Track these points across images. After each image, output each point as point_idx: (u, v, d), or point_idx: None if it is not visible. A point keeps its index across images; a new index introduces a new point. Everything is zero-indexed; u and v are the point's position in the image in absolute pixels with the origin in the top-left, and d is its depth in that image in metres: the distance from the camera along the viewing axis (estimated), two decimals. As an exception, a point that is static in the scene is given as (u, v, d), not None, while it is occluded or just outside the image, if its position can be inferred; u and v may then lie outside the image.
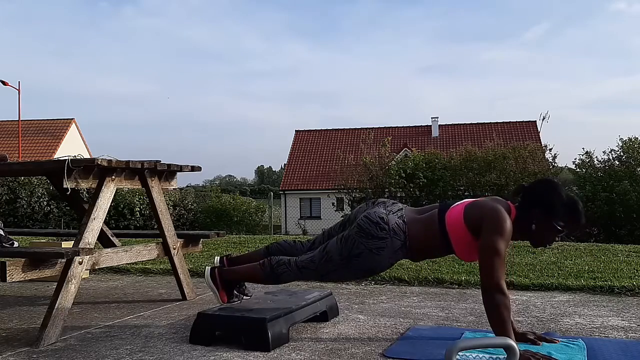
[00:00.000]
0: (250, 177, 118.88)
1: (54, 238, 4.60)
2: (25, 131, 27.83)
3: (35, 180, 14.58)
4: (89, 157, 3.38)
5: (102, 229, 3.60)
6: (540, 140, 24.95)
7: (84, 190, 10.26)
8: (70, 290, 2.64)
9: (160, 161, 3.23)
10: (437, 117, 31.70)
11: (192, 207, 17.07)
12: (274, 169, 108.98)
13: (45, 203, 14.68)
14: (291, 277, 2.49)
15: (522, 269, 4.34)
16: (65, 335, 2.62)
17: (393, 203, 2.50)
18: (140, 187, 3.25)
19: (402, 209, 2.46)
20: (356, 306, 3.27)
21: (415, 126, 32.56)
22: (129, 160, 3.00)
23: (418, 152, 17.11)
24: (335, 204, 19.26)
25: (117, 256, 3.01)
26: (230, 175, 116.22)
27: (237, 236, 8.03)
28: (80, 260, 2.68)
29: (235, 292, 2.70)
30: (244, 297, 2.75)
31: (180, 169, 3.41)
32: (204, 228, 16.22)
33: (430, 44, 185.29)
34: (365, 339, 2.54)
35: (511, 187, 13.24)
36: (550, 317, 2.98)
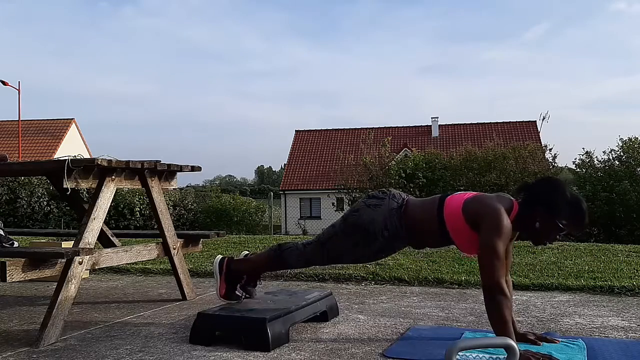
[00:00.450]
0: (250, 177, 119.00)
1: (54, 238, 4.60)
2: (25, 131, 27.83)
3: (35, 180, 14.58)
4: (89, 157, 3.38)
5: (102, 229, 3.60)
6: (540, 140, 24.96)
7: (84, 190, 10.25)
8: (70, 290, 2.64)
9: (160, 161, 3.23)
10: (437, 117, 31.74)
11: (192, 207, 17.07)
12: (274, 169, 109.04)
13: (45, 203, 14.68)
14: (295, 252, 2.58)
15: (522, 269, 4.34)
16: (65, 335, 2.62)
17: (401, 193, 2.60)
18: (140, 187, 3.25)
19: (408, 195, 2.59)
20: (356, 306, 3.27)
21: (415, 126, 32.57)
22: (129, 160, 3.00)
23: (418, 152, 17.12)
24: (335, 204, 19.27)
25: (117, 256, 3.01)
26: (230, 175, 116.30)
27: (237, 236, 8.03)
28: (80, 260, 2.68)
29: (240, 291, 2.74)
30: (244, 297, 2.75)
31: (180, 169, 3.41)
32: (204, 228, 16.21)
33: (430, 44, 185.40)
34: (365, 339, 2.54)
35: (511, 187, 13.24)
36: (550, 317, 2.98)
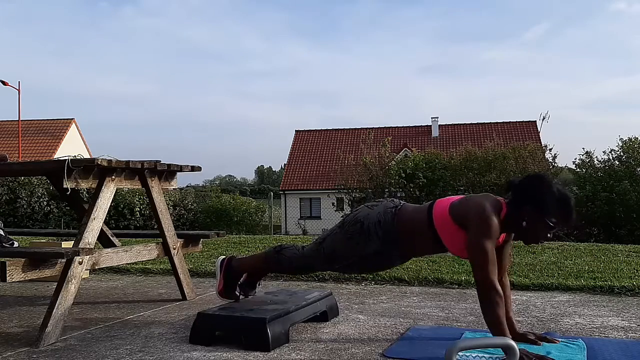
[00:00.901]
0: (250, 177, 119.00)
1: (54, 238, 4.60)
2: (25, 131, 27.83)
3: (35, 180, 14.58)
4: (89, 157, 3.38)
5: (102, 229, 3.60)
6: (540, 140, 24.96)
7: (84, 190, 10.25)
8: (70, 290, 2.64)
9: (160, 161, 3.23)
10: (437, 117, 31.74)
11: (192, 207, 17.07)
12: (274, 169, 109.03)
13: (45, 203, 14.68)
14: (293, 256, 2.61)
15: (522, 269, 4.34)
16: (65, 335, 2.62)
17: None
18: (140, 187, 3.25)
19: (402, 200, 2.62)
20: (356, 306, 3.27)
21: (415, 126, 32.57)
22: (129, 160, 3.00)
23: (418, 152, 17.13)
24: (335, 204, 19.26)
25: (117, 256, 3.01)
26: (230, 175, 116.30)
27: (237, 236, 8.03)
28: (80, 260, 2.68)
29: (238, 291, 2.75)
30: (241, 296, 2.76)
31: (180, 169, 3.41)
32: (204, 228, 16.21)
33: (430, 44, 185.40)
34: (365, 339, 2.54)
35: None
36: (550, 317, 2.98)
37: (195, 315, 2.55)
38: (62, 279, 2.62)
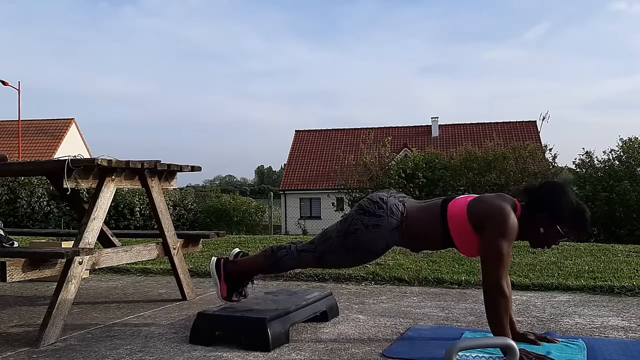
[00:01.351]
0: (250, 177, 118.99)
1: (54, 238, 4.60)
2: (25, 131, 27.83)
3: (35, 180, 14.58)
4: (89, 157, 3.38)
5: (102, 229, 3.60)
6: (540, 140, 24.97)
7: (84, 190, 10.25)
8: (70, 290, 2.64)
9: (160, 161, 3.23)
10: (437, 117, 31.74)
11: (192, 207, 17.07)
12: (274, 169, 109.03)
13: (45, 203, 14.68)
14: (290, 261, 2.53)
15: (522, 269, 4.34)
16: (65, 335, 2.62)
17: (398, 191, 2.54)
18: (140, 187, 3.25)
19: (405, 197, 2.49)
20: (356, 306, 3.27)
21: (415, 126, 32.57)
22: (129, 160, 3.00)
23: (418, 152, 17.13)
24: (335, 204, 19.27)
25: (117, 256, 3.01)
26: (230, 175, 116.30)
27: (237, 236, 8.03)
28: (80, 260, 2.68)
29: (235, 293, 2.72)
30: (242, 298, 2.75)
31: (180, 169, 3.41)
32: (204, 228, 16.22)
33: (430, 44, 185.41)
34: (365, 339, 2.54)
35: (511, 187, 13.25)
36: (550, 317, 2.98)
37: (195, 315, 2.55)
38: (62, 279, 2.62)
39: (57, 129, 29.17)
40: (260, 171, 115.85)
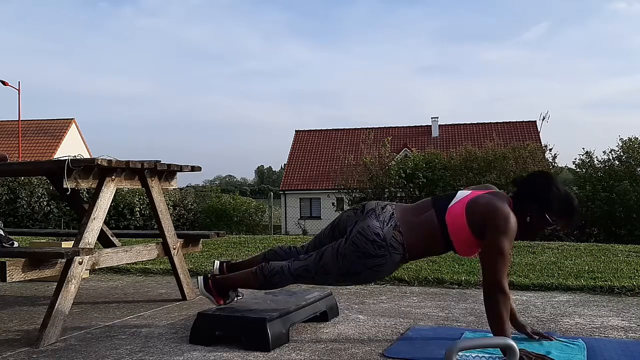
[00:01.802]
0: (250, 177, 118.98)
1: (54, 238, 4.60)
2: (25, 131, 27.83)
3: (35, 180, 14.59)
4: (89, 157, 3.38)
5: (102, 229, 3.60)
6: (540, 140, 24.99)
7: (84, 190, 10.25)
8: (70, 290, 2.64)
9: (160, 161, 3.23)
10: (437, 117, 31.71)
11: (192, 207, 17.08)
12: (274, 169, 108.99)
13: (45, 203, 14.69)
14: (282, 281, 2.48)
15: (522, 269, 4.34)
16: (65, 335, 2.62)
17: (382, 208, 2.38)
18: (140, 187, 3.25)
19: (393, 214, 2.35)
20: (356, 306, 3.27)
21: (415, 126, 32.56)
22: (129, 160, 3.00)
23: (418, 152, 17.16)
24: (335, 204, 19.28)
25: (117, 256, 3.01)
26: (230, 175, 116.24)
27: (237, 236, 8.03)
28: (80, 260, 2.68)
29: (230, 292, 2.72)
30: (238, 297, 2.74)
31: (180, 169, 3.41)
32: (204, 228, 16.22)
33: (430, 44, 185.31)
34: (365, 339, 2.54)
35: (511, 187, 13.24)
36: (550, 317, 2.98)
37: (195, 315, 2.55)
38: (62, 279, 2.62)
39: (57, 129, 29.17)
40: (260, 171, 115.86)
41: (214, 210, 17.40)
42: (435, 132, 31.36)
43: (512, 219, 2.20)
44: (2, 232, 3.50)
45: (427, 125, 32.10)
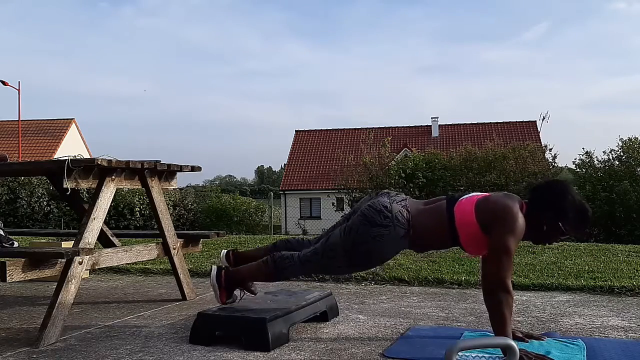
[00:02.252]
0: (250, 177, 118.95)
1: (54, 238, 4.60)
2: (25, 131, 27.83)
3: (35, 180, 14.59)
4: (89, 157, 3.38)
5: (102, 229, 3.60)
6: (540, 140, 24.97)
7: (84, 190, 10.25)
8: (70, 290, 2.64)
9: (160, 161, 3.23)
10: (437, 117, 31.70)
11: (192, 207, 17.07)
12: (274, 169, 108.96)
13: (45, 203, 14.68)
14: (294, 271, 2.50)
15: (522, 269, 4.34)
16: (65, 335, 2.62)
17: (397, 193, 2.50)
18: (140, 187, 3.25)
19: (405, 199, 2.45)
20: (356, 306, 3.27)
21: (415, 126, 32.56)
22: (129, 160, 3.00)
23: (418, 152, 17.16)
24: (335, 204, 19.28)
25: (117, 256, 3.01)
26: (230, 175, 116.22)
27: (237, 236, 8.04)
28: (80, 260, 2.68)
29: (240, 289, 2.72)
30: (244, 296, 2.74)
31: (180, 169, 3.41)
32: (204, 228, 16.22)
33: (430, 44, 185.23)
34: (365, 339, 2.54)
35: (511, 187, 13.25)
36: (550, 317, 2.98)
37: (195, 315, 2.55)
38: (62, 279, 2.62)
39: (57, 129, 29.16)
40: (260, 171, 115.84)
41: (214, 210, 17.40)
42: (435, 132, 31.35)
43: (521, 219, 2.20)
44: (2, 232, 3.50)
45: (427, 125, 32.09)
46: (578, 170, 15.33)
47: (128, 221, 14.76)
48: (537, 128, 29.75)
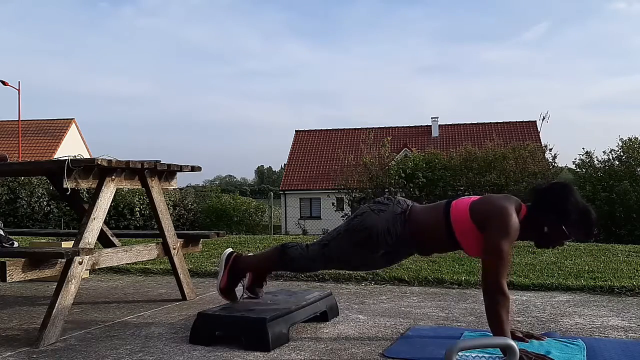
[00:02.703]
0: (250, 177, 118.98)
1: (54, 238, 4.60)
2: (25, 131, 27.83)
3: (35, 180, 14.59)
4: (89, 157, 3.38)
5: (102, 229, 3.60)
6: (540, 140, 24.99)
7: (84, 190, 10.26)
8: (70, 290, 2.64)
9: (160, 161, 3.23)
10: (437, 117, 31.71)
11: (192, 207, 17.07)
12: (274, 169, 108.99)
13: (45, 203, 14.68)
14: (298, 257, 2.55)
15: (522, 269, 4.34)
16: (65, 335, 2.62)
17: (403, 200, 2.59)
18: (140, 187, 3.25)
19: (411, 202, 2.54)
20: (356, 306, 3.27)
21: (415, 126, 32.56)
22: (129, 160, 3.00)
23: (418, 152, 17.16)
24: (335, 204, 19.29)
25: (117, 256, 3.01)
26: (230, 175, 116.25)
27: (237, 236, 8.04)
28: (80, 260, 2.68)
29: (243, 288, 2.74)
30: (245, 297, 2.75)
31: (180, 169, 3.41)
32: (204, 228, 16.22)
33: (430, 44, 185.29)
34: (365, 339, 2.54)
35: (511, 187, 13.26)
36: (550, 317, 2.98)
37: (195, 315, 2.55)
38: (62, 279, 2.62)
39: (57, 129, 29.16)
40: (260, 171, 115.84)
41: (214, 210, 17.40)
42: (435, 132, 31.36)
43: (514, 220, 2.20)
44: (2, 232, 3.50)
45: (427, 125, 32.10)
46: (578, 170, 15.33)
47: (128, 221, 14.76)
48: (537, 128, 29.77)
